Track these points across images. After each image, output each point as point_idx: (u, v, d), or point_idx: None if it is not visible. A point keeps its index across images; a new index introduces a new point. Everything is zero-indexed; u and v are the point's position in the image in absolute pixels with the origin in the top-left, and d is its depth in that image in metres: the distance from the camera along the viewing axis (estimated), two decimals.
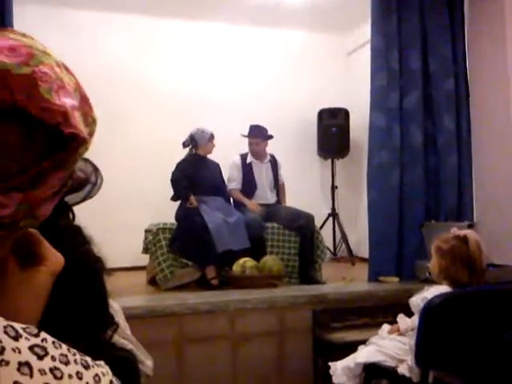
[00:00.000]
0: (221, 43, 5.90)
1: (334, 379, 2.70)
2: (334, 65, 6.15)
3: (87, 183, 0.85)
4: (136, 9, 5.36)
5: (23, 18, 3.75)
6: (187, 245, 4.03)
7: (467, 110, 4.25)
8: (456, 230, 2.55)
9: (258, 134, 4.66)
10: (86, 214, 0.95)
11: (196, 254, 4.03)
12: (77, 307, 0.81)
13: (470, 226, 3.53)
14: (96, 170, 0.87)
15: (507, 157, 3.94)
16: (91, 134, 0.58)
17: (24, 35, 0.56)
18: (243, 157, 4.73)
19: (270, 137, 4.71)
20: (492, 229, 3.81)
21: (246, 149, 4.76)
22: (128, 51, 5.46)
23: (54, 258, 0.65)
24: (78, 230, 0.87)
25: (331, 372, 2.73)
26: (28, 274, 0.62)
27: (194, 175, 4.30)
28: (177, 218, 4.23)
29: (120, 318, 1.40)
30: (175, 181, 4.28)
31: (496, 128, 4.05)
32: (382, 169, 4.04)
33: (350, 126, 5.89)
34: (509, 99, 3.91)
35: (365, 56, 4.59)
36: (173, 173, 4.31)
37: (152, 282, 4.17)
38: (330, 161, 5.95)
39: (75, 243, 0.84)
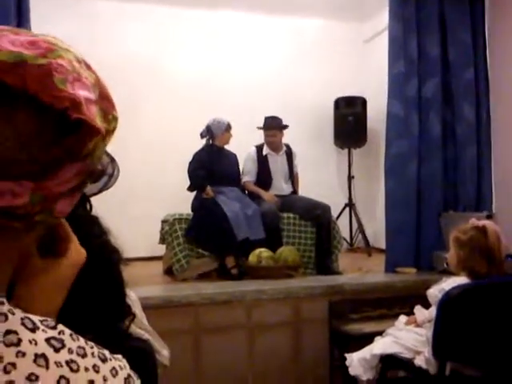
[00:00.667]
0: (237, 32, 5.86)
1: (351, 370, 2.69)
2: (350, 53, 6.08)
3: (104, 174, 0.85)
4: None
5: (39, 7, 3.77)
6: (204, 235, 4.03)
7: (487, 100, 4.17)
8: (475, 221, 2.52)
9: (273, 126, 4.63)
10: (103, 205, 0.95)
11: (214, 243, 4.04)
12: (94, 297, 0.82)
13: (489, 217, 3.49)
14: (113, 161, 0.87)
15: None
16: (112, 131, 0.57)
17: (53, 38, 0.56)
18: (259, 148, 4.70)
19: (285, 126, 4.67)
20: (511, 219, 3.76)
21: (261, 138, 4.72)
22: (143, 41, 5.45)
23: (77, 252, 0.66)
24: (95, 221, 0.88)
25: (347, 363, 2.73)
26: (48, 264, 0.63)
27: (211, 166, 4.29)
28: (193, 209, 4.24)
29: (137, 308, 1.41)
30: (192, 171, 4.28)
31: None
32: (400, 158, 4.00)
33: (367, 114, 5.82)
34: None
35: (382, 44, 4.53)
36: (189, 163, 4.32)
37: (168, 272, 4.19)
38: (346, 150, 5.90)
39: (92, 234, 0.84)
